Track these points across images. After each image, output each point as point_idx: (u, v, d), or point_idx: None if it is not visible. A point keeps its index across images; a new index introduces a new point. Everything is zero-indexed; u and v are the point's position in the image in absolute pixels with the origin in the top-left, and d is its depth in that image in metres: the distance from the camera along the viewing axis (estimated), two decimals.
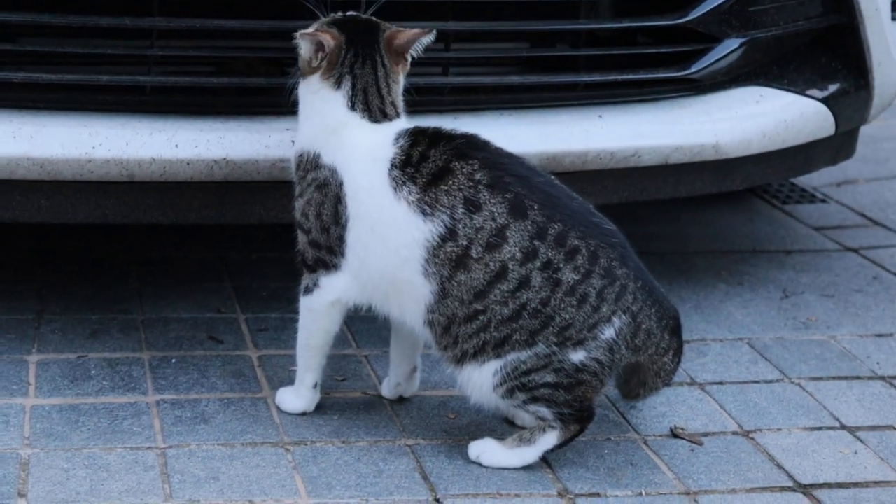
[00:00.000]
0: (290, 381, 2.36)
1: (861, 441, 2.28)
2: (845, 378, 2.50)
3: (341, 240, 2.13)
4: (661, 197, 2.64)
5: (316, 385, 2.25)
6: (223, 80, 2.32)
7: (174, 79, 2.29)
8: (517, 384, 2.08)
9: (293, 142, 2.32)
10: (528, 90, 2.49)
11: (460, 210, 2.06)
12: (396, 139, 2.11)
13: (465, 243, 2.06)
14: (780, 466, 2.19)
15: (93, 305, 2.61)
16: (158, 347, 2.46)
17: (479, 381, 2.10)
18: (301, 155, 2.16)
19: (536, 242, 2.05)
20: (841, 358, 2.58)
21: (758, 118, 2.62)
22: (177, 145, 2.27)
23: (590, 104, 2.51)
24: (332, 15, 2.17)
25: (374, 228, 2.10)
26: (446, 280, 2.07)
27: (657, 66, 2.55)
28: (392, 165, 2.09)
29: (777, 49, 2.69)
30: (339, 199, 2.12)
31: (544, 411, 2.10)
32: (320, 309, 2.19)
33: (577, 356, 2.07)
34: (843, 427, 2.32)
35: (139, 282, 2.74)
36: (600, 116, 2.49)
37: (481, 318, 2.07)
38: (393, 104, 2.15)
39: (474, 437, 2.18)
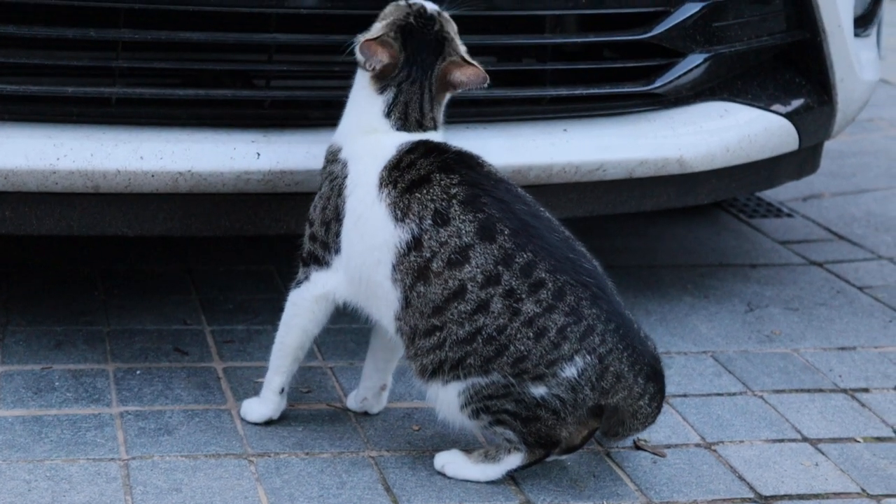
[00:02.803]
0: (255, 392, 2.36)
1: (822, 453, 2.30)
2: (808, 391, 2.52)
3: (338, 235, 2.14)
4: (626, 210, 2.66)
5: (283, 391, 2.25)
6: (188, 91, 2.32)
7: (139, 90, 2.30)
8: (481, 406, 2.08)
9: (258, 154, 2.33)
10: (493, 104, 2.50)
11: (428, 221, 2.06)
12: (402, 144, 2.12)
13: (428, 255, 2.06)
14: (741, 478, 2.20)
15: (58, 317, 2.61)
16: (123, 359, 2.46)
17: (446, 399, 2.10)
18: (331, 146, 2.19)
19: (500, 268, 2.04)
20: (804, 371, 2.60)
21: (722, 133, 2.64)
22: (142, 157, 2.27)
23: (555, 118, 2.52)
24: (409, 7, 2.14)
25: (357, 224, 2.12)
26: (408, 289, 2.08)
27: (622, 81, 2.57)
28: (384, 166, 2.11)
29: (741, 64, 2.71)
30: (340, 193, 2.14)
31: (510, 434, 2.10)
32: (304, 303, 2.19)
33: (538, 391, 2.05)
34: (804, 439, 2.34)
35: (105, 294, 2.74)
36: (565, 130, 2.51)
37: (438, 334, 2.07)
38: (433, 119, 2.16)
39: (438, 449, 2.18)
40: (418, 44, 2.14)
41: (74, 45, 2.31)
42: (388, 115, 2.14)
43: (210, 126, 2.33)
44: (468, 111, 2.48)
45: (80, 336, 2.54)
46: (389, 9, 2.17)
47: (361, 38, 2.13)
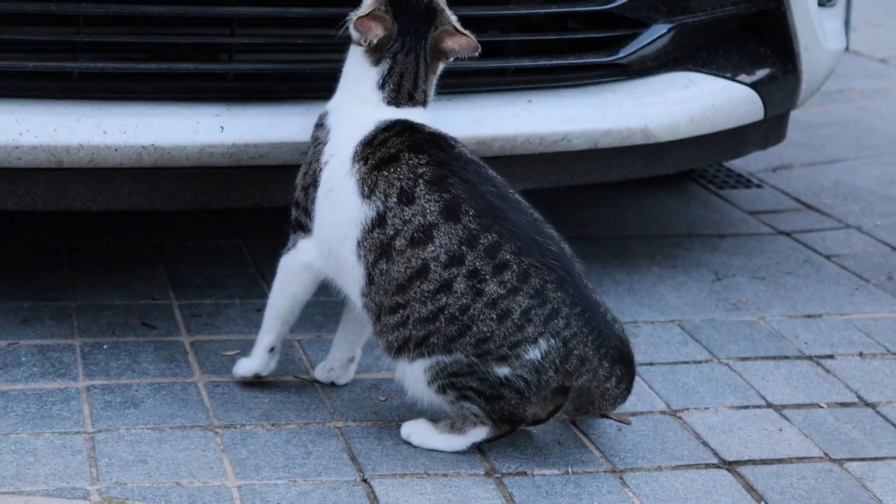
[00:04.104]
0: (222, 365, 2.37)
1: (786, 419, 2.31)
2: (773, 358, 2.54)
3: (314, 202, 2.15)
4: (592, 181, 2.67)
5: (273, 350, 2.26)
6: (151, 65, 2.32)
7: (101, 64, 2.29)
8: (447, 382, 2.09)
9: (222, 127, 2.33)
10: (457, 75, 2.50)
11: (394, 199, 2.07)
12: (381, 122, 2.13)
13: (391, 232, 2.07)
14: (705, 444, 2.22)
15: (25, 293, 2.61)
16: (90, 334, 2.47)
17: (413, 376, 2.11)
18: (323, 110, 2.20)
19: (464, 248, 2.05)
20: (770, 338, 2.62)
21: (686, 103, 2.65)
22: (105, 131, 2.27)
23: (519, 89, 2.53)
24: None
25: (329, 196, 2.13)
26: (371, 266, 2.08)
27: (586, 52, 2.57)
28: (360, 141, 2.12)
29: (705, 34, 2.72)
30: (318, 159, 2.15)
31: (476, 409, 2.11)
32: (291, 270, 2.20)
33: (502, 371, 2.06)
34: (769, 405, 2.36)
35: (72, 269, 2.74)
36: (530, 101, 2.52)
37: (402, 312, 2.07)
38: (424, 92, 2.18)
39: (404, 420, 2.19)
40: (410, 14, 2.15)
41: (36, 19, 2.30)
42: (382, 86, 2.15)
43: (173, 100, 2.33)
44: None
45: (47, 311, 2.54)
46: None
47: (354, 15, 2.14)
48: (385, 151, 2.10)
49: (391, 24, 2.14)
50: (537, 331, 2.04)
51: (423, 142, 2.11)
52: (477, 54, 2.18)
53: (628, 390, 2.14)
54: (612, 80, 2.60)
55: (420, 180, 2.07)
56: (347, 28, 2.14)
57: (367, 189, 2.08)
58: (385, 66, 2.15)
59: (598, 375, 2.08)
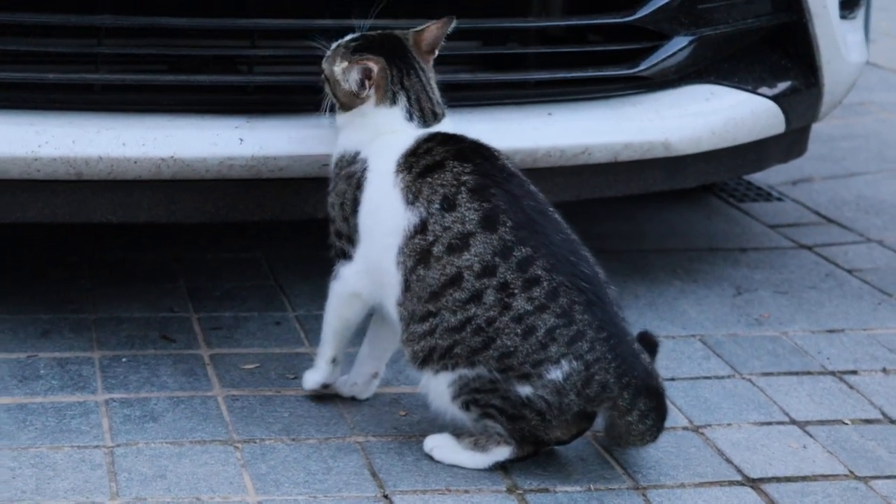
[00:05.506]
0: (241, 379, 2.36)
1: (810, 435, 2.29)
2: (796, 373, 2.52)
3: (357, 228, 2.16)
4: (612, 194, 2.66)
5: (334, 360, 2.26)
6: (171, 77, 2.32)
7: (121, 76, 2.29)
8: (470, 399, 2.08)
9: (241, 140, 2.32)
10: (478, 88, 2.50)
11: (436, 205, 2.07)
12: (421, 135, 2.14)
13: (431, 238, 2.07)
14: (728, 461, 2.20)
15: (44, 305, 2.60)
16: (110, 347, 2.46)
17: (437, 389, 2.10)
18: (342, 155, 2.20)
19: (497, 259, 2.04)
20: (792, 353, 2.60)
21: (708, 116, 2.63)
22: (124, 143, 2.26)
23: (540, 102, 2.52)
24: (339, 42, 2.18)
25: (373, 212, 2.13)
26: (409, 272, 2.08)
27: (607, 64, 2.56)
28: (402, 154, 2.12)
29: (727, 47, 2.70)
30: (360, 186, 2.15)
31: (499, 428, 2.09)
32: (343, 298, 2.21)
33: (524, 390, 2.04)
34: (792, 422, 2.34)
35: (92, 282, 2.73)
36: (550, 114, 2.50)
37: (431, 320, 2.06)
38: (438, 102, 2.19)
39: (425, 434, 2.18)
40: (380, 46, 2.17)
41: (56, 31, 2.30)
42: (410, 118, 2.17)
43: (193, 112, 2.32)
44: (453, 95, 2.46)
45: (67, 324, 2.53)
46: (333, 51, 2.19)
47: (339, 68, 2.15)
48: (430, 159, 2.11)
49: (378, 57, 2.14)
50: (560, 351, 2.03)
51: (468, 151, 2.12)
52: (453, 25, 2.19)
53: (656, 427, 2.08)
54: (633, 93, 2.59)
55: (463, 188, 2.08)
56: (332, 99, 2.18)
57: (412, 196, 2.09)
58: (402, 100, 2.16)
59: (618, 405, 2.05)
